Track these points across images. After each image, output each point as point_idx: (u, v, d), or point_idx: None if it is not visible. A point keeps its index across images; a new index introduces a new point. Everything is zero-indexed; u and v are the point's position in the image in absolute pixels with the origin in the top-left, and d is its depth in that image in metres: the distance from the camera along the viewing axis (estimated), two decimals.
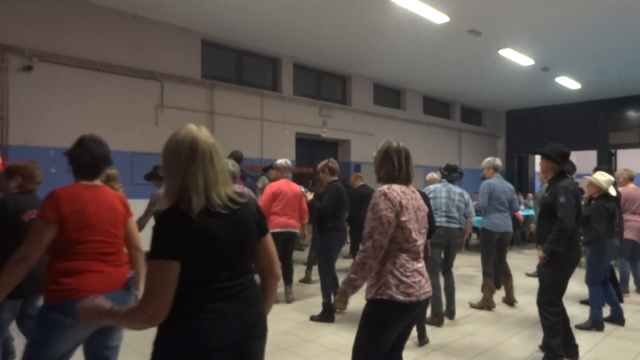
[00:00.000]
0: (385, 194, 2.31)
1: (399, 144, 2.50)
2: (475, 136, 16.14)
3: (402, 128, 13.00)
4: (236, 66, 9.61)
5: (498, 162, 5.76)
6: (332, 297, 5.18)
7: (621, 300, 5.37)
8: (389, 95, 13.16)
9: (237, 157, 6.41)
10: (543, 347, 3.80)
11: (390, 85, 13.01)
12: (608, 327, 4.80)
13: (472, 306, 5.58)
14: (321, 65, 10.97)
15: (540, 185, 7.06)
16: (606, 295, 4.99)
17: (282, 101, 10.07)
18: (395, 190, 2.35)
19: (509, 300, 5.66)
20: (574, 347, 3.88)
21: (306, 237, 6.00)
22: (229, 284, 1.59)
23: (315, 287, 6.10)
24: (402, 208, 2.30)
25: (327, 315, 4.91)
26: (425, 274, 2.43)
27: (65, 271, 2.11)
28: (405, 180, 2.45)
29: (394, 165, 2.43)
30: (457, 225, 5.02)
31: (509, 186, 5.69)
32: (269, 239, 1.80)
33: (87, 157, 2.31)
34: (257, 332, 1.67)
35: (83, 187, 2.29)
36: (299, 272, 6.88)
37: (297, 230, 5.58)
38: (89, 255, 2.17)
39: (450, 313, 5.04)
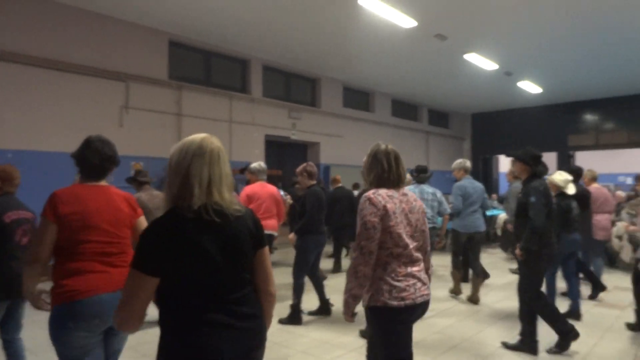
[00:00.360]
0: (369, 199, 2.28)
1: (388, 146, 2.47)
2: (443, 138, 16.49)
3: (371, 130, 13.14)
4: (204, 67, 9.51)
5: (468, 163, 5.95)
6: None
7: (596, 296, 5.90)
8: (358, 98, 13.29)
9: None
10: (556, 332, 4.02)
11: (359, 88, 13.14)
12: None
13: (450, 291, 5.99)
14: (291, 67, 10.98)
15: (509, 186, 7.28)
16: (570, 290, 5.22)
17: (251, 103, 10.03)
18: (381, 194, 2.31)
19: (474, 299, 5.82)
20: (535, 342, 4.04)
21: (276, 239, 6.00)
22: (228, 297, 1.58)
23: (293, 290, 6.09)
24: (387, 212, 2.25)
25: (294, 317, 4.91)
26: (423, 276, 2.37)
27: (66, 273, 2.13)
28: (396, 182, 2.41)
29: (384, 168, 2.40)
30: (431, 225, 5.14)
31: (479, 186, 5.87)
32: (265, 253, 1.74)
33: (95, 159, 2.31)
34: (256, 344, 1.66)
35: (84, 187, 2.29)
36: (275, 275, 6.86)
37: (275, 232, 5.56)
38: (90, 255, 2.17)
39: None
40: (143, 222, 2.47)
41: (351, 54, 9.98)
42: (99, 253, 2.20)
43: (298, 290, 4.94)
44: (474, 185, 5.80)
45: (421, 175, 5.39)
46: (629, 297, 5.98)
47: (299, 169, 5.14)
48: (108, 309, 2.12)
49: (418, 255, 2.38)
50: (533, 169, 4.08)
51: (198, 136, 1.63)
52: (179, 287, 1.51)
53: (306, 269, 5.00)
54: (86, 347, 2.13)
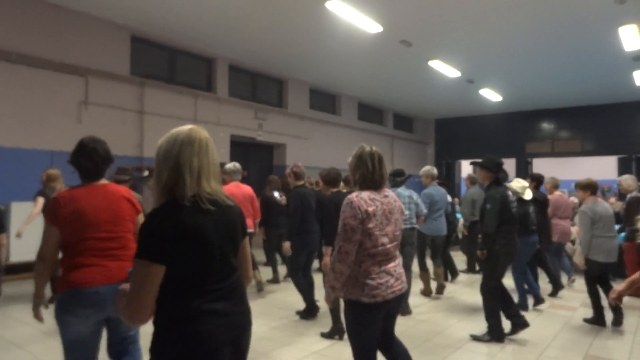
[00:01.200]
0: (351, 202, 2.40)
1: (372, 148, 2.58)
2: (407, 143, 16.77)
3: (337, 133, 13.21)
4: (168, 65, 9.29)
5: (435, 171, 6.34)
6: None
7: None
8: (324, 101, 13.33)
9: None
10: (487, 325, 4.42)
11: (326, 90, 13.18)
12: (528, 314, 5.34)
13: (421, 292, 6.24)
14: (257, 67, 10.89)
15: (465, 190, 7.63)
16: (527, 281, 5.64)
17: (217, 102, 9.87)
18: (363, 198, 2.43)
19: (426, 292, 6.19)
20: (521, 317, 4.45)
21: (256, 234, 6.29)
22: (222, 284, 1.63)
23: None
24: (368, 216, 2.38)
25: (309, 311, 5.12)
26: (397, 272, 2.53)
27: (69, 267, 2.33)
28: (379, 183, 2.53)
29: (368, 169, 2.51)
30: (409, 226, 5.37)
31: (443, 192, 6.32)
32: (247, 242, 1.86)
33: (88, 163, 2.45)
34: (247, 325, 1.75)
35: (82, 189, 2.45)
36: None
37: (252, 230, 5.78)
38: (90, 251, 2.35)
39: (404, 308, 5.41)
40: (142, 217, 2.60)
41: (318, 56, 10.00)
42: (98, 249, 2.37)
43: (300, 289, 5.08)
44: (439, 192, 6.23)
45: (397, 179, 5.60)
46: (580, 298, 6.28)
47: (287, 170, 5.28)
48: (103, 300, 2.31)
49: (395, 252, 2.55)
50: (496, 176, 4.36)
51: (186, 127, 1.67)
52: (177, 276, 1.53)
53: (297, 268, 5.10)
54: (81, 334, 2.32)
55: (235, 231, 1.71)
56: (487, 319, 4.40)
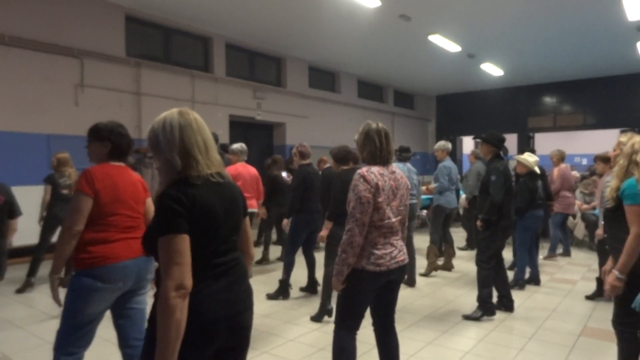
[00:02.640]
0: (363, 177, 2.46)
1: (378, 124, 2.62)
2: (408, 119, 16.63)
3: (337, 111, 13.10)
4: (164, 44, 9.16)
5: (449, 145, 6.49)
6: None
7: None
8: (324, 78, 13.18)
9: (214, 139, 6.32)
10: (477, 298, 4.46)
11: (325, 68, 13.01)
12: (529, 287, 5.57)
13: (421, 274, 6.20)
14: (255, 46, 10.74)
15: (470, 165, 7.70)
16: (530, 259, 5.67)
17: (215, 82, 9.77)
18: (373, 172, 2.49)
19: (449, 266, 6.41)
20: (511, 302, 4.60)
21: (260, 216, 6.47)
22: (225, 259, 1.65)
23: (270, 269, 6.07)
24: (377, 190, 2.45)
25: (282, 291, 5.10)
26: (400, 244, 2.61)
27: (94, 241, 2.38)
28: (386, 159, 2.59)
29: (376, 145, 2.56)
30: (416, 200, 5.61)
31: (456, 167, 6.50)
32: (247, 220, 1.89)
33: (124, 142, 2.59)
34: (248, 305, 1.75)
35: (112, 166, 2.56)
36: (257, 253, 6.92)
37: (256, 210, 5.95)
38: (116, 226, 2.44)
39: (411, 281, 5.58)
40: (150, 202, 2.71)
41: (316, 33, 9.83)
42: (123, 225, 2.47)
43: (287, 267, 5.08)
44: (453, 166, 6.41)
45: (403, 154, 5.86)
46: (581, 271, 6.31)
47: (293, 149, 5.34)
48: (130, 273, 2.43)
49: (399, 226, 2.61)
50: (498, 150, 4.47)
51: (174, 111, 1.68)
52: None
53: (295, 247, 5.11)
54: (98, 310, 2.39)
55: (238, 208, 1.75)
56: (479, 288, 4.43)
